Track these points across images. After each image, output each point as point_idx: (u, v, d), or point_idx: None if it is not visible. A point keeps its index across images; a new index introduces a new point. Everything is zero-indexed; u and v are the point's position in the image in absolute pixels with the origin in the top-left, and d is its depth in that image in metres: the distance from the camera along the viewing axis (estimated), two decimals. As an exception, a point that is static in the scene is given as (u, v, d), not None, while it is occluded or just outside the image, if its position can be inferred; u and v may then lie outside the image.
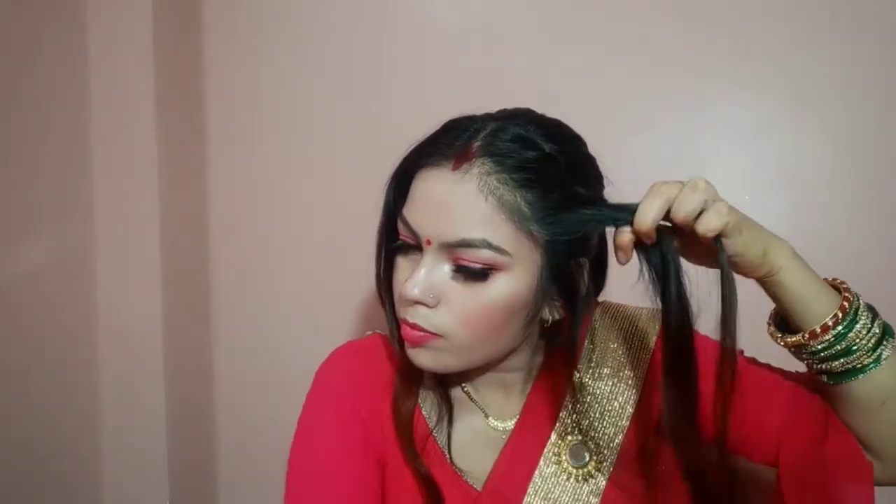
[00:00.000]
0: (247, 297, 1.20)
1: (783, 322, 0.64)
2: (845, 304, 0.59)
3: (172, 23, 1.10)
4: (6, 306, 0.94)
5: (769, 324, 0.65)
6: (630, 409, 0.68)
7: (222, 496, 1.23)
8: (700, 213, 0.56)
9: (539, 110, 0.65)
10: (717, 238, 0.56)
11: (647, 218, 0.56)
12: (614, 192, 0.65)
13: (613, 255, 0.61)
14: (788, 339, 0.61)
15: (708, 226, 0.55)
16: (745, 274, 0.59)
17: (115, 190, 1.08)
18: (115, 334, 1.09)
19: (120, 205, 1.08)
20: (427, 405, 0.70)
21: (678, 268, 0.57)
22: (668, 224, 0.58)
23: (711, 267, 0.60)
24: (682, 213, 0.55)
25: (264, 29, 1.16)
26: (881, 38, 1.01)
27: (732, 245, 0.57)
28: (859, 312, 0.59)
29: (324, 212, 1.16)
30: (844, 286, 0.62)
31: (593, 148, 0.66)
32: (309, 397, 0.70)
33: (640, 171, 1.05)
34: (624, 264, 0.59)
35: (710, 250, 0.58)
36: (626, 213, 0.58)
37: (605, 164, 0.66)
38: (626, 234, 0.57)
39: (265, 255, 1.19)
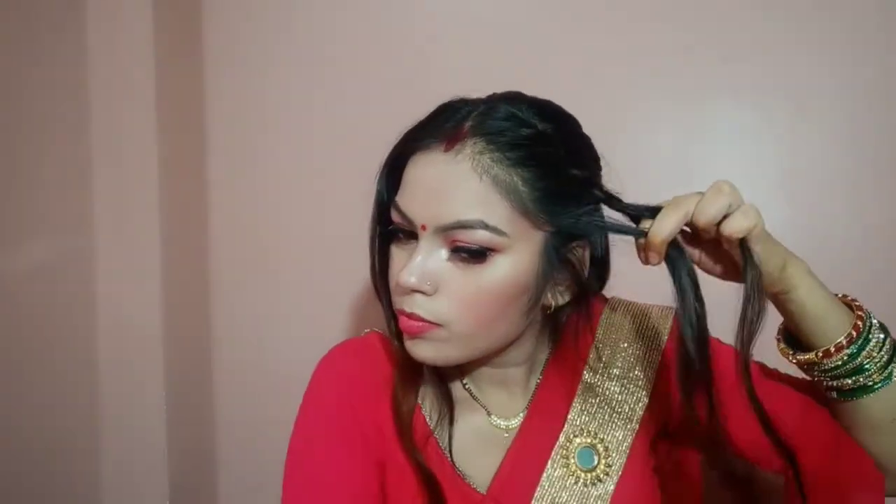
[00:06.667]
0: (247, 295, 1.20)
1: (791, 337, 0.63)
2: (859, 322, 0.59)
3: (172, 23, 1.10)
4: (6, 304, 0.94)
5: (778, 339, 0.64)
6: (640, 412, 0.66)
7: (222, 496, 1.23)
8: (724, 218, 0.55)
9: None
10: (743, 242, 0.55)
11: (661, 233, 0.55)
12: (610, 174, 0.65)
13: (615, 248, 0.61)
14: (801, 357, 0.60)
15: (734, 228, 0.54)
16: None
17: (115, 189, 1.08)
18: (116, 333, 1.09)
19: (120, 205, 1.08)
20: (427, 404, 0.68)
21: (695, 279, 0.56)
22: (681, 238, 0.57)
23: (734, 280, 0.59)
24: (704, 217, 0.54)
25: (264, 29, 1.16)
26: (881, 39, 1.01)
27: (754, 255, 0.55)
28: (872, 331, 0.59)
29: (324, 210, 1.16)
30: (857, 304, 0.61)
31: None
32: (305, 400, 0.68)
33: (640, 171, 1.06)
34: (656, 263, 0.57)
35: (730, 262, 0.58)
36: (639, 228, 0.57)
37: (605, 165, 0.65)
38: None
39: (265, 254, 1.19)
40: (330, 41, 1.15)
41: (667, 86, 1.06)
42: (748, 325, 0.55)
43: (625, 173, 0.65)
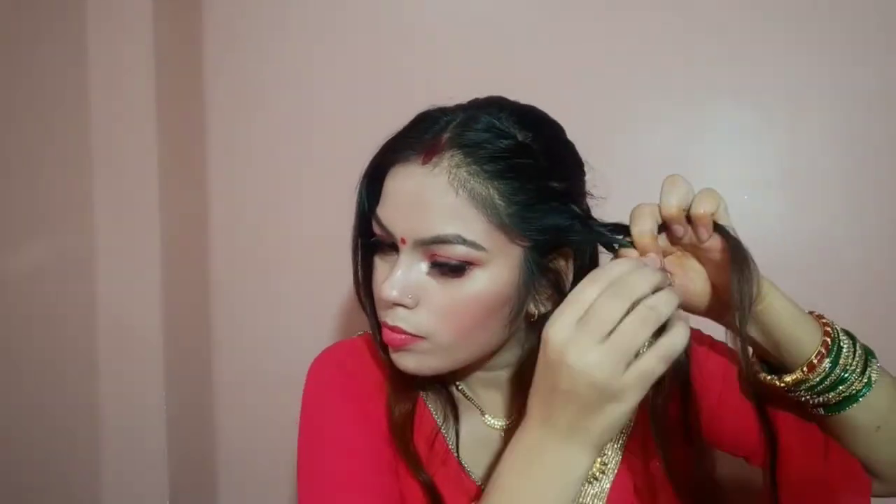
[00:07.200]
0: (247, 296, 1.20)
1: (765, 364, 0.62)
2: (827, 328, 0.58)
3: (172, 24, 1.10)
4: (6, 306, 0.94)
5: (757, 371, 0.62)
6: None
7: (222, 496, 1.23)
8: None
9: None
10: (717, 225, 0.55)
11: (645, 231, 0.55)
12: (595, 178, 0.65)
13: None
14: (788, 379, 0.58)
15: (703, 206, 0.54)
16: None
17: (115, 190, 1.08)
18: (116, 333, 1.09)
19: (120, 205, 1.08)
20: (431, 402, 0.69)
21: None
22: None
23: (718, 306, 0.60)
24: (674, 202, 0.54)
25: (264, 29, 1.16)
26: (881, 39, 1.01)
27: (729, 230, 0.55)
28: (840, 336, 0.58)
29: (323, 211, 1.16)
30: (815, 313, 0.60)
31: (594, 150, 0.65)
32: (308, 399, 0.68)
33: (640, 172, 1.06)
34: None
35: (713, 284, 0.58)
36: (622, 236, 0.57)
37: (604, 166, 0.66)
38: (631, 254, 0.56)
39: (265, 255, 1.19)
40: (330, 41, 1.15)
41: (667, 86, 1.06)
42: (744, 298, 0.54)
43: (625, 173, 0.65)
